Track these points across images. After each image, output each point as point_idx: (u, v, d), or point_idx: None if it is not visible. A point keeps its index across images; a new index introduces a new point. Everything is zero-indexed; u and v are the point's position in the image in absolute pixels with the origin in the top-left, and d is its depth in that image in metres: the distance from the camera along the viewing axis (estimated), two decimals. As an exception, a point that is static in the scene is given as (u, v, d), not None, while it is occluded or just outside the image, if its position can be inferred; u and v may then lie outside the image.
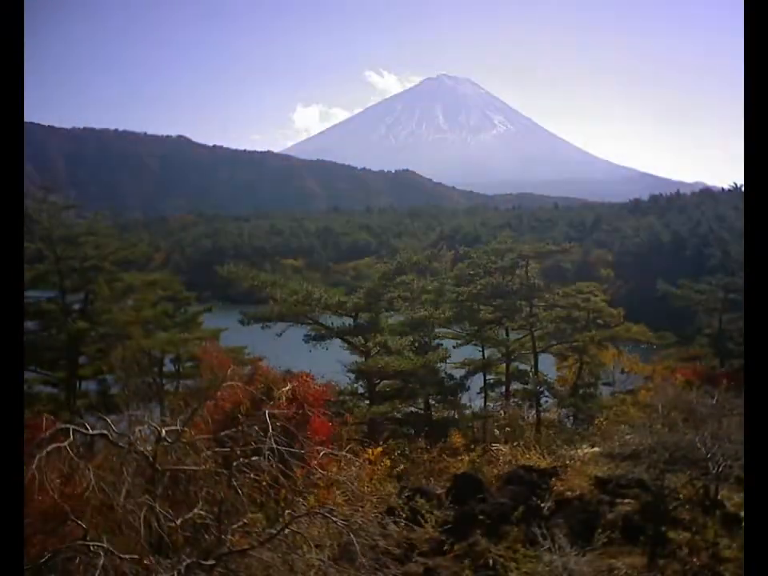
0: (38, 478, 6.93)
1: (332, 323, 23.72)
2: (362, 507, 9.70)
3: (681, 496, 12.52)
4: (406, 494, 12.86)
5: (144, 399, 8.43)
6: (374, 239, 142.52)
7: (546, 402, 26.73)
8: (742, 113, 5.69)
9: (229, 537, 8.01)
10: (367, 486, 12.13)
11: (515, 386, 27.31)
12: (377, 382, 23.12)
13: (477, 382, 27.02)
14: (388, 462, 14.84)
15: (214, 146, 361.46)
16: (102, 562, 6.96)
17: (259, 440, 8.11)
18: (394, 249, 63.22)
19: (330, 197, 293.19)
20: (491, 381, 27.43)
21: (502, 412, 23.68)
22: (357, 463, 10.97)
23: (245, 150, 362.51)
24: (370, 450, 14.96)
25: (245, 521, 8.72)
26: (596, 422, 22.82)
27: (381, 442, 16.93)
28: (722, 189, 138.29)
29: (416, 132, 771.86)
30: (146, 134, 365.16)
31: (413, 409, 24.77)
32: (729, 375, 23.08)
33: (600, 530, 11.56)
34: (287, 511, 9.49)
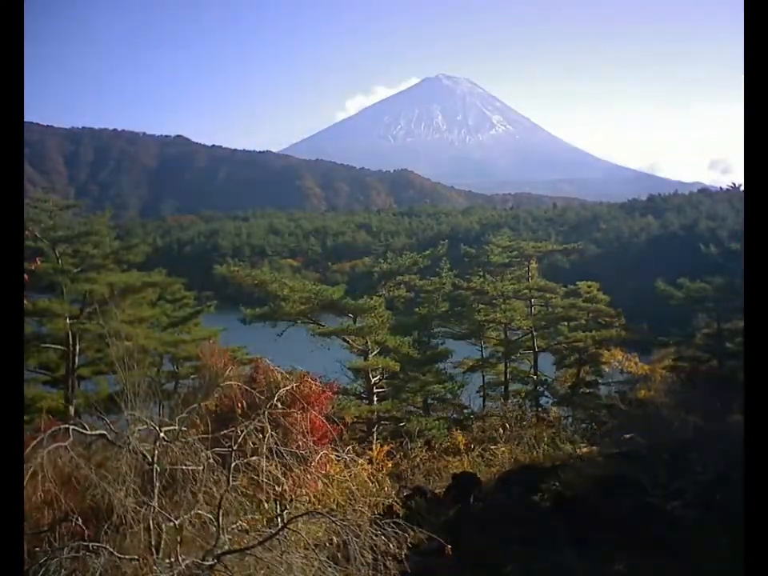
0: (37, 478, 6.91)
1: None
2: (360, 507, 9.69)
3: (679, 495, 12.56)
4: (405, 494, 12.89)
5: (143, 399, 8.39)
6: (373, 239, 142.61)
7: (546, 402, 26.75)
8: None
9: (227, 536, 8.00)
10: (369, 486, 12.12)
11: (515, 385, 27.32)
12: (376, 381, 23.11)
13: (477, 381, 27.05)
14: (390, 464, 14.82)
15: (213, 146, 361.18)
16: (101, 561, 6.95)
17: (258, 440, 8.10)
18: (393, 248, 63.26)
19: (328, 196, 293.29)
20: (491, 380, 27.45)
21: (501, 411, 23.68)
22: (357, 463, 10.96)
23: (243, 150, 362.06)
24: (374, 449, 14.94)
25: (243, 521, 8.71)
26: (595, 421, 22.82)
27: (381, 442, 16.91)
28: (720, 188, 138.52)
29: (414, 132, 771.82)
30: (144, 133, 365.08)
31: (411, 408, 24.76)
32: (727, 375, 23.11)
33: (598, 529, 11.59)
34: (286, 511, 9.49)
